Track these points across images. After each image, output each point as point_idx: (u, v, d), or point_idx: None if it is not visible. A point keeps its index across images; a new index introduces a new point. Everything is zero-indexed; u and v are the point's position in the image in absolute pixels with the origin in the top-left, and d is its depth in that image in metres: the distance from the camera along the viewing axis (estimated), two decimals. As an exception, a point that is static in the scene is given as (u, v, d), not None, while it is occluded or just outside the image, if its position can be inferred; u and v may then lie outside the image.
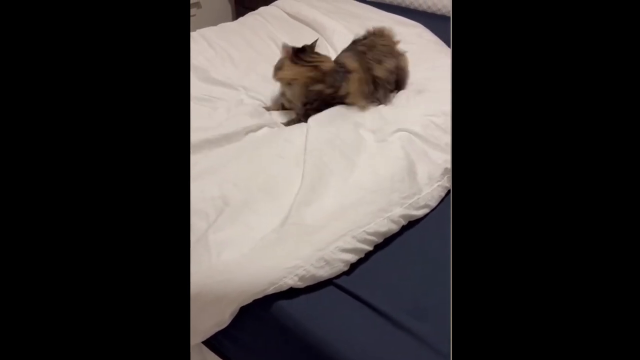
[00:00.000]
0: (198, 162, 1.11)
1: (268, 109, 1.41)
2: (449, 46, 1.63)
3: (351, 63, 1.32)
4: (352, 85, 1.29)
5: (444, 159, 1.12)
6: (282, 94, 1.38)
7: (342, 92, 1.31)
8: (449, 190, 1.09)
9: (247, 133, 1.22)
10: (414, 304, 0.85)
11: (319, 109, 1.30)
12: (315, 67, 1.30)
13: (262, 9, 2.07)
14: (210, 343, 0.99)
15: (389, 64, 1.35)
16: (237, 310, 0.88)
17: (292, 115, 1.37)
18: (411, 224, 1.02)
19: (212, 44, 1.75)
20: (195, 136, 1.17)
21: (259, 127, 1.25)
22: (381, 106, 1.28)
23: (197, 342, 0.97)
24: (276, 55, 1.68)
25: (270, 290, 0.84)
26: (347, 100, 1.31)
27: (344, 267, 0.90)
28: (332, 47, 1.70)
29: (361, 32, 1.61)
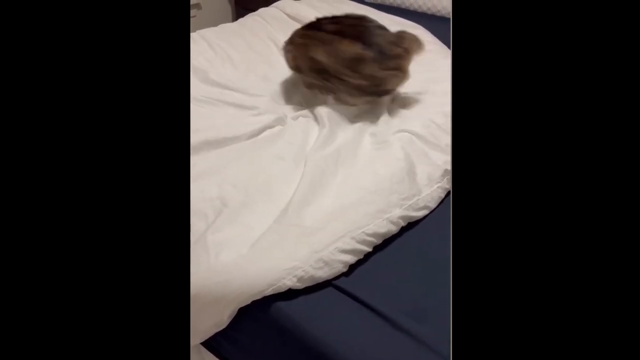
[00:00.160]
0: (197, 163, 1.11)
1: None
2: (449, 48, 1.63)
3: None
4: None
5: (444, 160, 1.11)
6: None
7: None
8: (448, 192, 1.09)
9: (248, 137, 1.22)
10: (413, 305, 0.85)
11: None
12: None
13: (262, 10, 2.07)
14: (209, 344, 0.98)
15: None
16: (235, 312, 0.88)
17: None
18: (410, 225, 1.02)
19: (212, 45, 1.75)
20: (194, 137, 1.17)
21: (260, 131, 1.24)
22: (382, 108, 1.28)
23: (196, 343, 0.96)
24: (276, 56, 1.69)
25: (269, 291, 0.84)
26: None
27: (343, 268, 0.89)
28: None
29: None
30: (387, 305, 0.84)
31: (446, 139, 1.16)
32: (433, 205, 1.05)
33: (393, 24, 1.85)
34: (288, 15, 1.99)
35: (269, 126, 1.27)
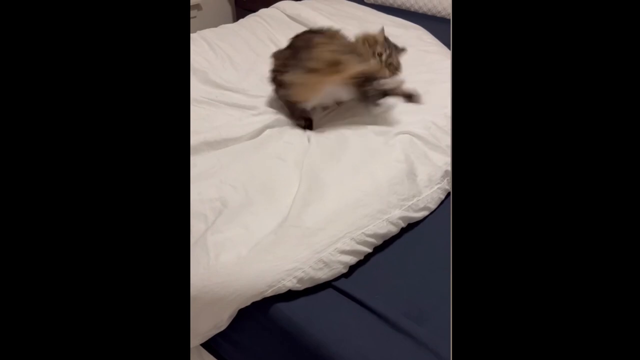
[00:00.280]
0: (197, 164, 1.11)
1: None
2: (449, 49, 1.63)
3: None
4: None
5: (445, 161, 1.11)
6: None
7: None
8: (448, 193, 1.09)
9: (248, 138, 1.21)
10: (413, 307, 0.85)
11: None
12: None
13: (262, 11, 2.07)
14: (208, 345, 0.98)
15: None
16: (235, 313, 0.88)
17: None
18: (410, 226, 1.02)
19: (212, 46, 1.75)
20: (194, 138, 1.17)
21: (260, 132, 1.24)
22: (384, 109, 1.28)
23: (196, 344, 0.96)
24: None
25: (269, 292, 0.84)
26: None
27: (342, 269, 0.89)
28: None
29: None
30: (386, 307, 0.84)
31: (447, 140, 1.16)
32: (433, 206, 1.05)
33: (393, 25, 1.85)
34: (288, 16, 1.99)
35: (269, 126, 1.27)
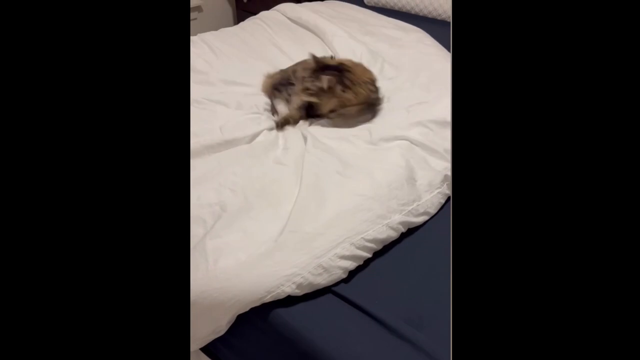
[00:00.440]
0: (196, 168, 1.11)
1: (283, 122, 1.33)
2: (449, 51, 1.63)
3: None
4: None
5: (444, 166, 1.11)
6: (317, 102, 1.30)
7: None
8: (448, 197, 1.08)
9: (247, 141, 1.21)
10: (412, 312, 0.85)
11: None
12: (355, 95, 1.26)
13: (263, 13, 2.07)
14: (207, 349, 0.98)
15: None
16: (234, 318, 0.87)
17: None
18: (410, 231, 1.01)
19: (212, 48, 1.75)
20: (193, 141, 1.16)
21: (259, 133, 1.24)
22: (383, 116, 1.28)
23: (194, 349, 0.96)
24: (277, 59, 1.69)
25: (268, 298, 0.84)
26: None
27: (342, 275, 0.89)
28: (332, 51, 1.69)
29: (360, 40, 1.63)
30: (386, 313, 0.84)
31: (445, 145, 1.16)
32: (433, 211, 1.05)
33: (394, 27, 1.85)
34: (289, 18, 1.99)
35: (268, 128, 1.27)
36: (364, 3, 2.22)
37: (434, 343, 0.78)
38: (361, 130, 1.20)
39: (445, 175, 1.09)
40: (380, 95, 1.35)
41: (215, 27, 2.05)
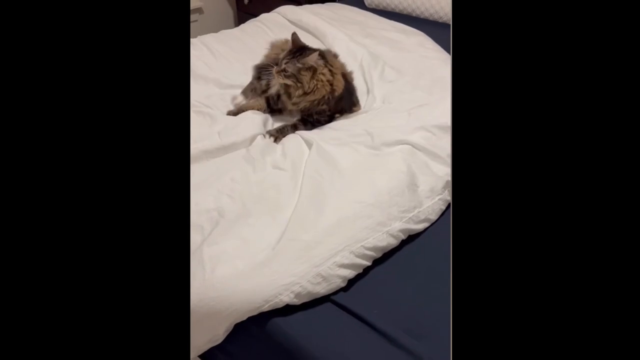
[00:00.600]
0: (194, 173, 1.10)
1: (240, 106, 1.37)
2: (450, 54, 1.61)
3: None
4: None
5: (446, 171, 1.10)
6: (284, 93, 1.33)
7: (337, 114, 1.35)
8: (449, 204, 1.07)
9: (245, 145, 1.20)
10: (412, 322, 0.83)
11: (308, 122, 1.31)
12: (331, 85, 1.28)
13: (263, 16, 2.06)
14: (205, 357, 0.97)
15: None
16: (231, 327, 0.86)
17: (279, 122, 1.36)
18: (410, 238, 1.00)
19: (212, 51, 1.74)
20: (192, 147, 1.15)
21: (256, 136, 1.23)
22: (384, 120, 1.27)
23: (192, 357, 0.95)
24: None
25: (266, 307, 0.82)
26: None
27: (341, 283, 0.88)
28: (333, 54, 1.68)
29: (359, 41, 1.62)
30: (386, 322, 0.82)
31: (448, 150, 1.14)
32: (434, 217, 1.03)
33: (395, 30, 1.84)
34: (289, 20, 1.98)
35: (265, 132, 1.26)
36: (364, 5, 2.21)
37: (434, 354, 0.77)
38: (363, 135, 1.19)
39: (447, 181, 1.07)
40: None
41: (216, 29, 2.04)
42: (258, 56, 1.71)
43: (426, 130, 1.18)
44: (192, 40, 1.81)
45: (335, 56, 1.41)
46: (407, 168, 1.05)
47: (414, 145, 1.13)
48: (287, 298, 0.83)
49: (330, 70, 1.27)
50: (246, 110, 1.35)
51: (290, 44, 1.33)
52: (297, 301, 0.84)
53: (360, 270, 0.91)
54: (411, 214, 0.99)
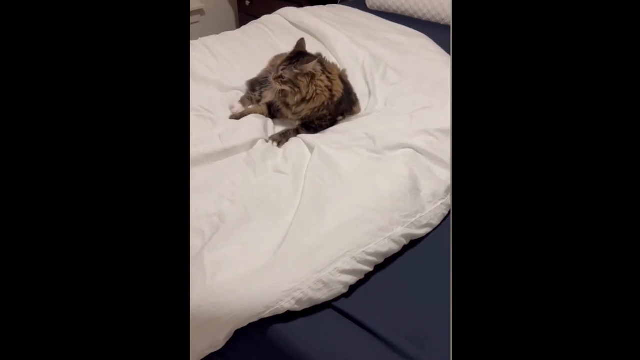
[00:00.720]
0: (195, 177, 1.09)
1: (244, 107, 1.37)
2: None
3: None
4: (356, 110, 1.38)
5: (448, 175, 1.09)
6: (280, 98, 1.33)
7: (339, 117, 1.34)
8: (452, 208, 1.06)
9: (246, 149, 1.19)
10: (414, 329, 0.83)
11: (311, 128, 1.30)
12: (330, 91, 1.28)
13: (265, 17, 2.05)
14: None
15: None
16: (232, 333, 0.86)
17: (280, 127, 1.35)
18: (413, 243, 0.99)
19: (213, 52, 1.73)
20: (192, 150, 1.14)
21: (257, 140, 1.22)
22: (386, 123, 1.26)
23: (192, 363, 0.94)
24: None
25: (266, 313, 0.82)
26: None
27: (342, 289, 0.87)
28: (334, 56, 1.67)
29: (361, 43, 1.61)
30: (387, 329, 0.82)
31: (450, 153, 1.13)
32: (436, 222, 1.02)
33: (397, 32, 1.83)
34: (291, 22, 1.97)
35: (266, 137, 1.25)
36: (366, 7, 2.20)
37: (437, 361, 0.76)
38: (365, 139, 1.18)
39: (450, 186, 1.06)
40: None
41: (217, 30, 2.04)
42: (259, 59, 1.70)
43: (428, 133, 1.17)
44: (193, 41, 1.81)
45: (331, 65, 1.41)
46: (409, 172, 1.05)
47: (416, 149, 1.12)
48: (288, 304, 0.82)
49: (328, 77, 1.27)
50: (248, 114, 1.35)
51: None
52: (298, 307, 0.83)
53: (362, 276, 0.90)
54: (413, 219, 0.98)
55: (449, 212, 1.06)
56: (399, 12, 2.11)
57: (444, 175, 1.09)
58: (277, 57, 1.59)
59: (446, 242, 0.98)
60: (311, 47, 1.77)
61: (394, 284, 0.91)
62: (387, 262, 0.94)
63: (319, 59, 1.27)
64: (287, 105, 1.31)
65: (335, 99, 1.29)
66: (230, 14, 2.99)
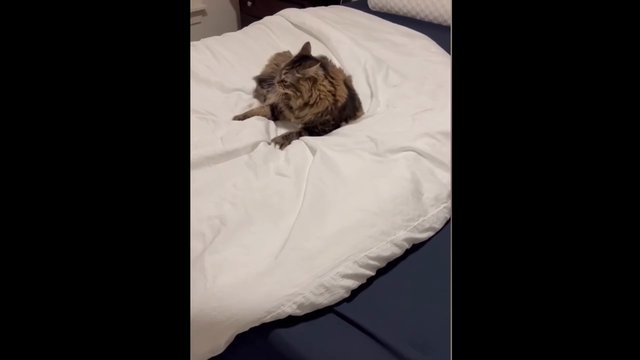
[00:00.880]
0: (196, 179, 1.08)
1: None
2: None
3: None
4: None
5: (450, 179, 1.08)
6: (284, 101, 1.33)
7: (342, 123, 1.33)
8: (454, 212, 1.06)
9: (248, 151, 1.19)
10: (416, 334, 0.82)
11: (314, 132, 1.30)
12: (334, 96, 1.27)
13: (266, 19, 2.05)
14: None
15: None
16: (233, 338, 0.85)
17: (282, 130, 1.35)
18: (415, 247, 0.98)
19: (215, 54, 1.72)
20: (193, 152, 1.14)
21: (259, 143, 1.22)
22: (388, 125, 1.25)
23: (192, 367, 0.94)
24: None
25: (268, 318, 0.81)
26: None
27: (344, 294, 0.86)
28: (336, 58, 1.67)
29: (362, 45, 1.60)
30: (389, 334, 0.81)
31: (452, 157, 1.13)
32: (438, 226, 1.02)
33: (399, 33, 1.83)
34: (293, 23, 1.97)
35: (268, 140, 1.24)
36: (368, 8, 2.20)
37: (439, 367, 0.76)
38: (367, 142, 1.17)
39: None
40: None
41: (219, 31, 2.03)
42: (261, 60, 1.70)
43: (431, 136, 1.17)
44: (194, 43, 1.80)
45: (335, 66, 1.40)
46: (411, 175, 1.04)
47: (418, 152, 1.12)
48: (289, 309, 0.81)
49: (331, 82, 1.26)
50: (251, 116, 1.34)
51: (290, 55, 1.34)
52: (299, 312, 0.83)
53: (364, 281, 0.89)
54: (416, 223, 0.97)
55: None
56: (401, 13, 2.11)
57: (447, 178, 1.08)
58: (278, 55, 1.58)
59: (448, 246, 0.97)
60: (313, 49, 1.77)
61: (396, 288, 0.90)
62: (389, 267, 0.93)
63: (322, 63, 1.27)
64: (290, 108, 1.31)
65: (339, 104, 1.28)
66: (232, 14, 2.99)
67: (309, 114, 1.27)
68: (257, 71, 1.60)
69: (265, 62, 1.59)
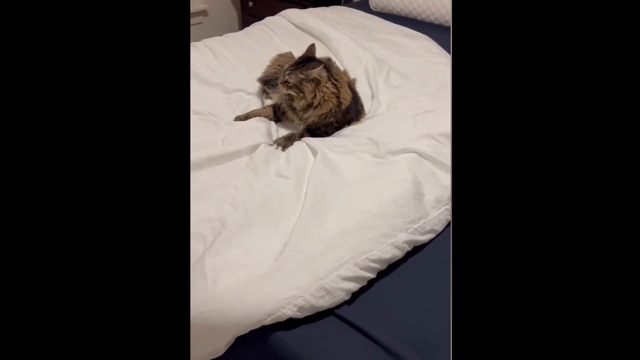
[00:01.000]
0: (196, 181, 1.08)
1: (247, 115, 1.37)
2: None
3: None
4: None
5: (451, 181, 1.08)
6: (287, 102, 1.33)
7: (345, 125, 1.33)
8: (455, 214, 1.05)
9: (249, 152, 1.19)
10: (417, 337, 0.82)
11: (316, 134, 1.30)
12: (337, 98, 1.27)
13: (267, 19, 2.05)
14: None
15: None
16: (233, 340, 0.85)
17: (283, 131, 1.35)
18: (416, 250, 0.98)
19: (216, 55, 1.72)
20: (194, 154, 1.14)
21: (260, 144, 1.22)
22: (389, 127, 1.25)
23: (192, 369, 0.94)
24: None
25: (268, 321, 0.81)
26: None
27: (345, 297, 0.86)
28: (337, 58, 1.66)
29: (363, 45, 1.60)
30: (390, 337, 0.81)
31: (454, 158, 1.12)
32: (440, 228, 1.01)
33: (400, 34, 1.82)
34: (294, 24, 1.96)
35: (269, 142, 1.24)
36: (369, 9, 2.19)
37: (440, 370, 0.75)
38: (368, 143, 1.17)
39: (453, 191, 1.05)
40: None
41: (221, 31, 2.03)
42: (262, 61, 1.70)
43: (432, 138, 1.17)
44: (196, 43, 1.80)
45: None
46: (412, 177, 1.04)
47: (419, 154, 1.11)
48: (290, 312, 0.81)
49: (334, 84, 1.26)
50: (253, 116, 1.34)
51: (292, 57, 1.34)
52: (300, 315, 0.82)
53: (365, 283, 0.89)
54: (417, 225, 0.97)
55: (453, 218, 1.05)
56: (402, 13, 2.10)
57: (448, 180, 1.08)
58: (280, 56, 1.58)
59: (450, 248, 0.97)
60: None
61: (396, 291, 0.90)
62: (390, 269, 0.93)
63: (326, 65, 1.26)
64: (293, 109, 1.31)
65: (343, 106, 1.28)
66: (234, 15, 2.99)
67: (312, 116, 1.27)
68: (259, 72, 1.60)
69: (267, 63, 1.58)
